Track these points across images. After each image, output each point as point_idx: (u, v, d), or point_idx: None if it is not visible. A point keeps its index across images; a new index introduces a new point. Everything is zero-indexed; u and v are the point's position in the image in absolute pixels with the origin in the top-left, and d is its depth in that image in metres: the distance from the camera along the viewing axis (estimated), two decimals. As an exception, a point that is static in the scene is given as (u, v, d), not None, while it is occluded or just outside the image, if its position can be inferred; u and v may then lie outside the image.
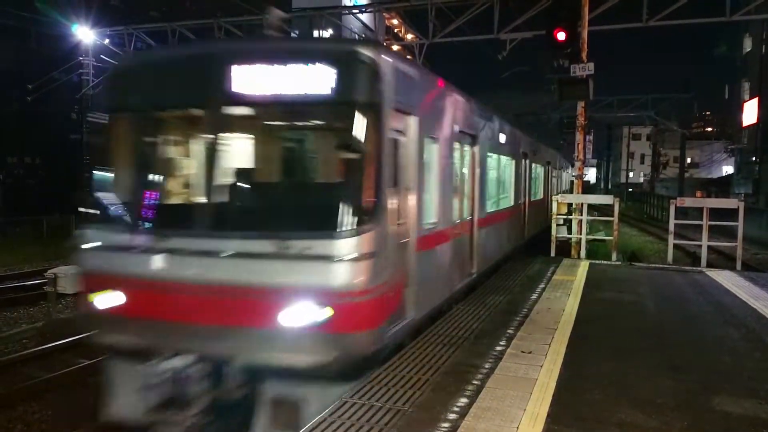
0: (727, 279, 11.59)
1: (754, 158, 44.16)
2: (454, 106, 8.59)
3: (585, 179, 19.54)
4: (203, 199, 5.86)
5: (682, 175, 52.44)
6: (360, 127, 5.52)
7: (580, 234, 14.76)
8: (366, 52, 5.71)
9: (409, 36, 29.04)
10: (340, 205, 5.41)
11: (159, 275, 5.60)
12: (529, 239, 16.38)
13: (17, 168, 36.02)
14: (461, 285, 9.13)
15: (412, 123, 6.63)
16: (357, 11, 27.00)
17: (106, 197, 6.35)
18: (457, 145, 8.64)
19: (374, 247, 5.43)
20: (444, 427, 4.63)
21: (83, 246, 6.11)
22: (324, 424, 4.74)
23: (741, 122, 47.37)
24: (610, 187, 75.13)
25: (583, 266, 13.01)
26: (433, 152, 7.52)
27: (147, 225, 6.10)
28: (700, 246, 13.86)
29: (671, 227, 14.00)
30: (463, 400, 5.14)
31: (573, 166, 16.92)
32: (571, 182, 18.14)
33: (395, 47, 27.47)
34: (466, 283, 9.47)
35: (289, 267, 5.29)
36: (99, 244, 6.07)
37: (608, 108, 48.80)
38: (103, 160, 6.53)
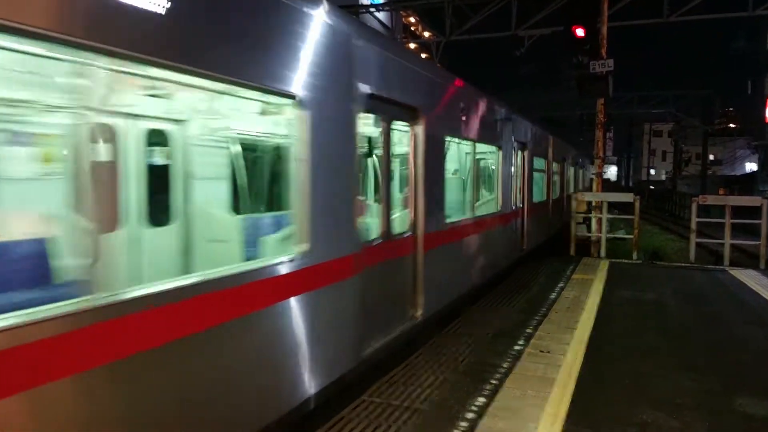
0: (751, 278, 11.42)
1: (778, 155, 43.39)
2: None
3: (606, 176, 19.44)
4: None
5: (705, 172, 51.69)
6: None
7: (600, 232, 14.64)
8: None
9: (427, 34, 28.96)
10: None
11: None
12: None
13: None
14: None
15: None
16: (374, 9, 27.00)
17: None
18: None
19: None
20: (462, 427, 4.63)
21: None
22: (342, 423, 4.77)
23: (765, 118, 46.55)
24: (631, 184, 74.31)
25: (603, 265, 12.90)
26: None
27: None
28: (723, 244, 13.67)
29: (693, 225, 13.83)
30: (481, 400, 5.13)
31: (593, 163, 16.78)
32: (591, 179, 18.01)
33: (412, 45, 27.42)
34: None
35: None
36: None
37: (629, 105, 48.30)
38: None
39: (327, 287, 4.77)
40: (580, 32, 13.91)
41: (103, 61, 2.96)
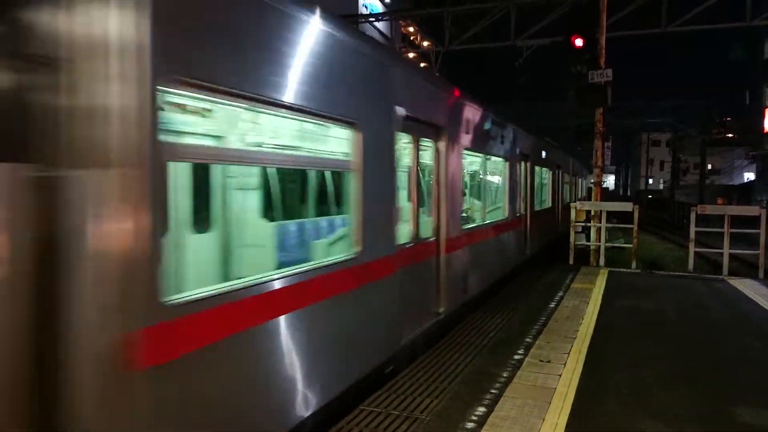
0: (749, 287, 11.43)
1: (776, 164, 43.48)
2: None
3: (604, 186, 19.65)
4: None
5: (703, 181, 51.80)
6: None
7: (599, 241, 14.66)
8: None
9: (426, 43, 29.08)
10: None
11: None
12: None
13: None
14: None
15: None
16: (373, 19, 27.13)
17: None
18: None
19: None
20: (462, 436, 4.62)
21: None
22: (342, 432, 4.76)
23: (762, 128, 46.75)
24: (629, 193, 74.39)
25: (602, 274, 12.91)
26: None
27: None
28: (722, 254, 13.69)
29: (692, 235, 13.84)
30: (481, 409, 5.13)
31: (591, 172, 16.82)
32: (589, 189, 18.07)
33: (411, 54, 27.53)
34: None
35: None
36: None
37: (627, 115, 48.41)
38: None
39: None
40: (579, 42, 14.00)
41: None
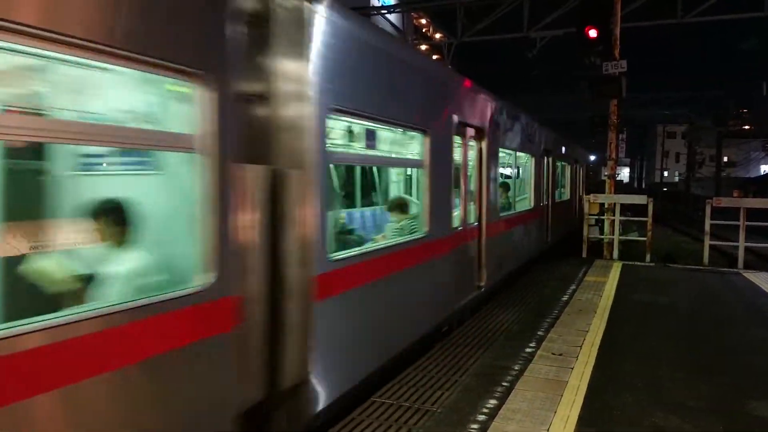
0: (765, 281, 11.31)
1: (793, 156, 42.93)
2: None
3: (618, 178, 19.42)
4: None
5: (719, 174, 51.28)
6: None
7: (613, 234, 14.56)
8: None
9: (438, 35, 28.95)
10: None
11: None
12: None
13: None
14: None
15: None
16: (385, 11, 27.03)
17: None
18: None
19: None
20: (473, 429, 4.62)
21: None
22: (352, 424, 4.78)
23: (780, 119, 46.16)
24: (644, 186, 73.82)
25: (616, 267, 12.83)
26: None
27: None
28: (737, 247, 13.55)
29: (707, 228, 13.72)
30: (493, 402, 5.12)
31: (605, 165, 16.70)
32: (603, 181, 17.92)
33: (423, 47, 27.42)
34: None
35: None
36: None
37: (642, 106, 47.99)
38: None
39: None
40: (592, 33, 13.84)
41: None
